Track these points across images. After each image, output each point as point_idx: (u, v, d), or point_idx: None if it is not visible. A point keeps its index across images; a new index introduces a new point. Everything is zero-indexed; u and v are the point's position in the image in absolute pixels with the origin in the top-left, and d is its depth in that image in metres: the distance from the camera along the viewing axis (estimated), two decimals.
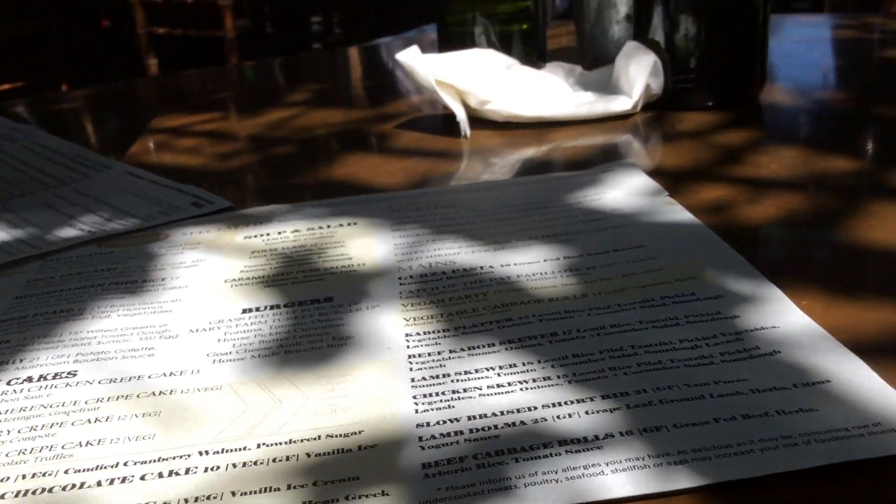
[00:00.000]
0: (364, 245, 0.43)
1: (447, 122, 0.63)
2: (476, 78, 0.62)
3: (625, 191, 0.46)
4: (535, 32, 0.70)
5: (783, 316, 0.32)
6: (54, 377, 0.32)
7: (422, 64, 0.61)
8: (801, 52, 0.82)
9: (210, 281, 0.40)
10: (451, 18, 0.69)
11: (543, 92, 0.64)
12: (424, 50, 0.61)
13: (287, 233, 0.45)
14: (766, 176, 0.48)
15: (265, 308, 0.37)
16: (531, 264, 0.39)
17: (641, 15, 0.63)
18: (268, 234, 0.45)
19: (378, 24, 2.81)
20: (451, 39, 0.70)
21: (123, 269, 0.41)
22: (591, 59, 0.74)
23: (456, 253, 0.41)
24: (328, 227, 0.45)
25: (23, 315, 0.37)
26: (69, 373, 0.32)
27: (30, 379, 0.32)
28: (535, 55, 0.70)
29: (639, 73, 0.61)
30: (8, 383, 0.32)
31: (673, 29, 0.61)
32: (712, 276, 0.36)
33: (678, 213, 0.43)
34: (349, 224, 0.45)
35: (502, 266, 0.39)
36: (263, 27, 4.15)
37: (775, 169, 0.49)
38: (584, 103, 0.62)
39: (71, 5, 3.34)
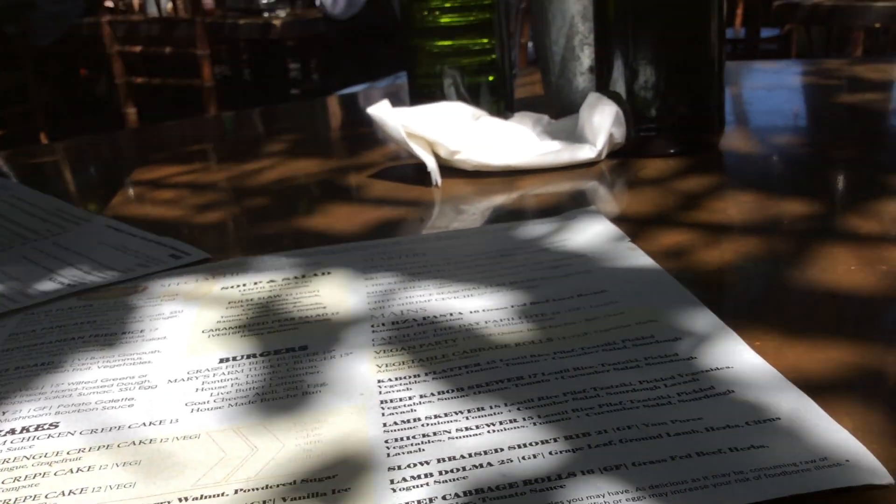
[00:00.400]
0: (338, 294, 0.44)
1: (419, 171, 0.65)
2: (445, 129, 0.64)
3: (588, 237, 0.48)
4: (501, 84, 0.72)
5: (737, 357, 0.34)
6: (36, 429, 0.33)
7: (392, 117, 0.63)
8: (761, 99, 0.85)
9: (188, 332, 0.41)
10: (421, 71, 0.72)
11: (511, 141, 0.66)
12: (400, 98, 0.64)
13: (263, 283, 0.46)
14: (723, 221, 0.50)
15: (242, 357, 0.38)
16: (499, 310, 0.40)
17: (602, 67, 0.66)
18: (244, 285, 0.46)
19: (355, 71, 2.86)
20: (421, 91, 0.72)
21: (103, 322, 0.42)
22: (558, 109, 0.76)
23: (426, 300, 0.42)
24: (303, 276, 0.47)
25: (4, 369, 0.38)
26: (51, 424, 0.33)
27: (12, 431, 0.33)
28: (502, 105, 0.73)
29: (602, 123, 0.63)
30: None
31: (633, 80, 0.63)
32: (670, 320, 0.37)
33: (639, 258, 0.45)
34: (323, 273, 0.47)
35: (471, 312, 0.40)
36: (242, 74, 4.19)
37: (732, 214, 0.51)
38: (550, 152, 0.64)
39: (49, 56, 3.36)
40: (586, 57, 0.74)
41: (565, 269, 0.44)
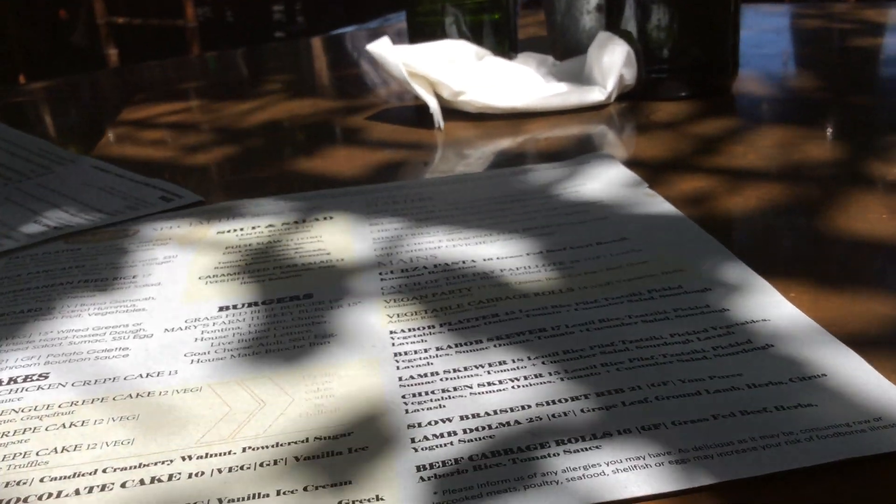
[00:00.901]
0: (342, 240, 0.42)
1: (419, 114, 0.62)
2: (448, 69, 0.61)
3: (604, 182, 0.46)
4: (506, 22, 0.69)
5: (773, 309, 0.32)
6: (25, 380, 0.31)
7: (393, 55, 0.60)
8: (771, 42, 0.82)
9: (184, 278, 0.39)
10: (421, 8, 0.68)
11: (516, 83, 0.63)
12: (391, 41, 0.61)
13: (261, 227, 0.44)
14: (743, 166, 0.48)
15: (242, 305, 0.36)
16: (514, 258, 0.38)
17: (613, 5, 0.63)
18: (241, 229, 0.44)
19: (341, 12, 2.79)
20: (422, 30, 0.69)
21: (92, 267, 0.40)
22: (562, 50, 0.73)
23: (436, 247, 0.40)
24: (303, 221, 0.44)
25: None
26: (40, 375, 0.31)
27: None
28: (506, 45, 0.70)
29: (612, 64, 0.61)
30: None
31: (645, 19, 0.61)
32: (698, 269, 0.35)
33: (659, 204, 0.42)
34: (325, 218, 0.44)
35: (484, 260, 0.38)
36: (224, 16, 4.09)
37: (752, 159, 0.49)
38: (557, 94, 0.61)
39: None
40: None
41: (581, 216, 0.42)
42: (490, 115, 0.61)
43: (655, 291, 0.34)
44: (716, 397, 0.27)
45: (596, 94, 0.60)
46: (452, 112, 0.62)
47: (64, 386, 0.30)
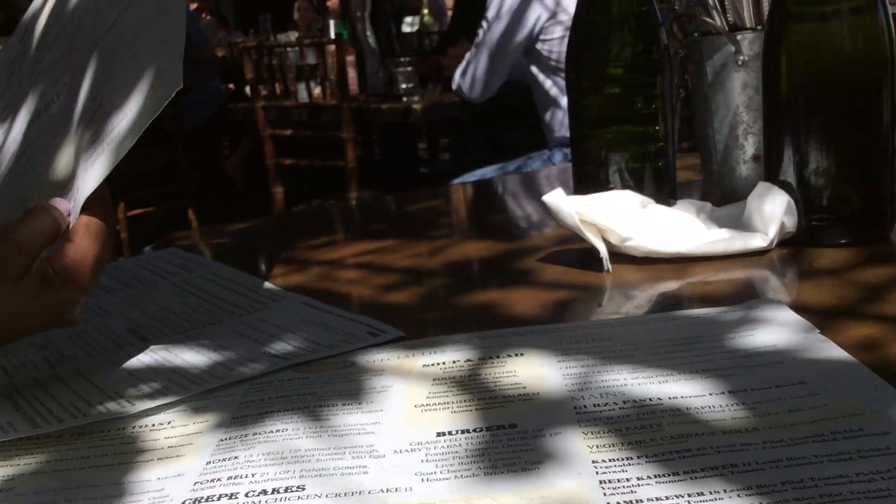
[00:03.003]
0: (535, 375, 0.47)
1: (586, 256, 0.68)
2: (616, 216, 0.67)
3: (776, 327, 0.49)
4: (667, 170, 0.75)
5: None
6: (286, 490, 0.37)
7: (566, 205, 0.66)
8: None
9: (402, 405, 0.44)
10: (589, 156, 0.75)
11: (679, 229, 0.68)
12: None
13: (461, 362, 0.49)
14: None
15: (457, 432, 0.41)
16: (698, 397, 0.42)
17: (772, 154, 0.67)
18: (444, 363, 0.49)
19: (485, 150, 2.93)
20: (586, 176, 0.75)
21: (322, 393, 0.46)
22: (720, 196, 0.78)
23: (623, 384, 0.44)
24: (498, 357, 0.49)
25: (244, 434, 0.42)
26: (298, 487, 0.37)
27: (264, 492, 0.37)
28: (666, 192, 0.75)
29: (773, 213, 0.64)
30: (246, 495, 0.37)
31: (803, 168, 0.65)
32: (877, 413, 0.38)
33: (832, 350, 0.45)
34: (517, 355, 0.50)
35: (670, 398, 0.42)
36: (373, 154, 4.36)
37: None
38: (720, 240, 0.65)
39: (198, 138, 3.61)
40: (750, 146, 0.75)
41: (758, 359, 0.45)
42: (655, 259, 0.66)
43: (838, 433, 0.37)
44: None
45: (758, 241, 0.64)
46: (619, 255, 0.67)
47: (319, 497, 0.36)
